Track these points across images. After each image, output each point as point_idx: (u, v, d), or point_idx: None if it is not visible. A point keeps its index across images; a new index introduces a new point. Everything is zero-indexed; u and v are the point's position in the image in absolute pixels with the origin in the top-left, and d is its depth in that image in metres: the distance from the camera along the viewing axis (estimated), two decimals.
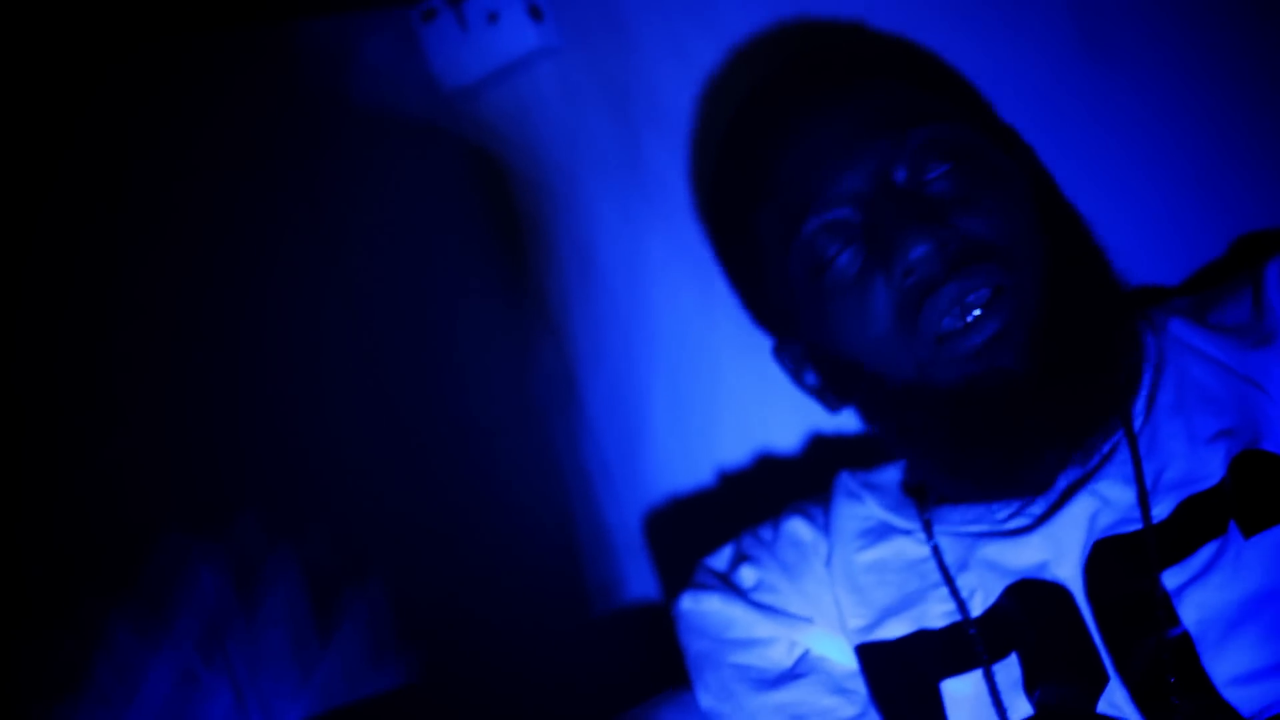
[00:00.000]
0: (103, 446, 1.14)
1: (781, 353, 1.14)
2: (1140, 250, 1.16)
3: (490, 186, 1.48)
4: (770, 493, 1.29)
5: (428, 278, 1.42)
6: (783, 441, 1.36)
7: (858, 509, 1.12)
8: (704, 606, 1.11)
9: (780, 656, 1.08)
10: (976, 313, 0.95)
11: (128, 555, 1.13)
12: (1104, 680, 0.95)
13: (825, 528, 1.12)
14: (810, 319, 1.05)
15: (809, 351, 1.10)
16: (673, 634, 1.15)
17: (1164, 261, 1.18)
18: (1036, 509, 1.01)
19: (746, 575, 1.12)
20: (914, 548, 1.07)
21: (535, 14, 1.40)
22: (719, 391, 1.38)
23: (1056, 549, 0.98)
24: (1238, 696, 0.90)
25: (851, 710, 1.05)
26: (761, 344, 1.20)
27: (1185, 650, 0.92)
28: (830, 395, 1.11)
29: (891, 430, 1.06)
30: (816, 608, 1.09)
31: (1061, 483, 1.00)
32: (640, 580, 1.45)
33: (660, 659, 1.20)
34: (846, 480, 1.15)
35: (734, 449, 1.37)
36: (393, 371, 1.36)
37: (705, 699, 1.10)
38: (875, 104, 1.02)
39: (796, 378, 1.14)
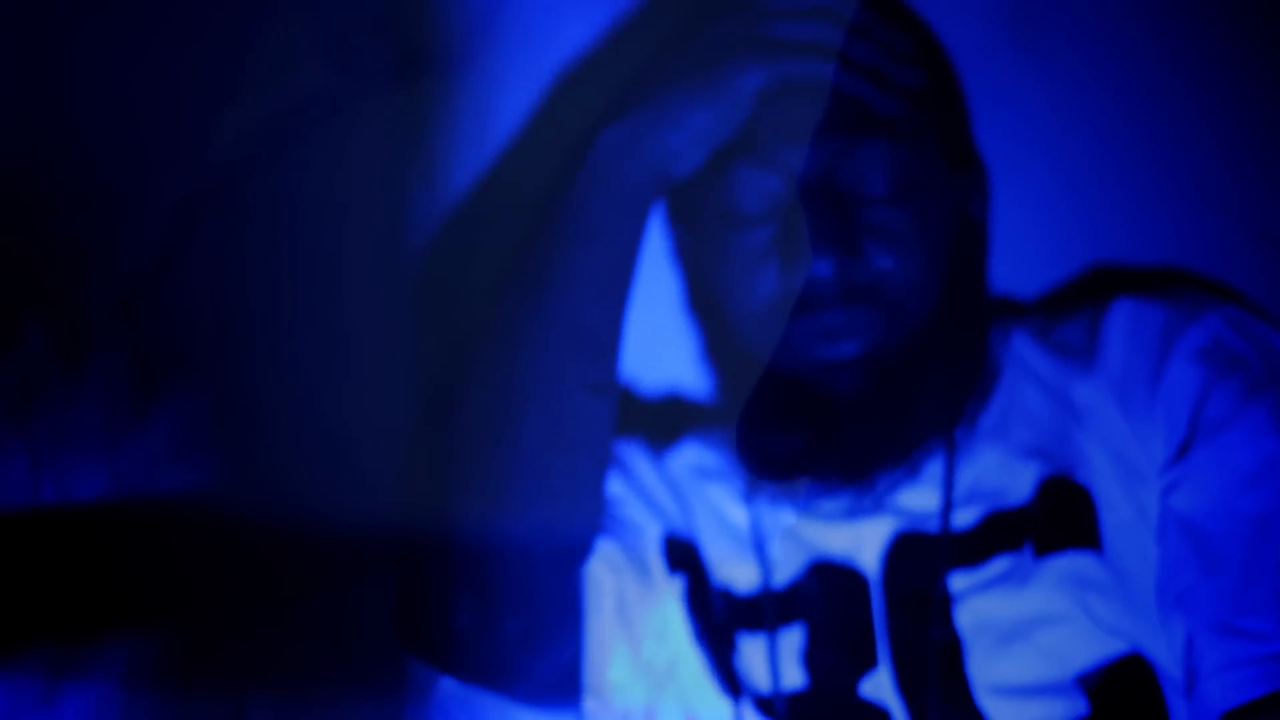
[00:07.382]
0: None
1: None
2: (1014, 253, 1.19)
3: None
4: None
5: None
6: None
7: (702, 452, 1.14)
8: None
9: None
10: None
11: None
12: (874, 664, 1.00)
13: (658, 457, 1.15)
14: (695, 247, 1.09)
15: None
16: None
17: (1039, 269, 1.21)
18: (850, 500, 1.05)
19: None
20: (734, 508, 1.10)
21: None
22: None
23: (862, 539, 1.03)
24: (992, 707, 0.96)
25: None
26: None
27: (953, 652, 0.98)
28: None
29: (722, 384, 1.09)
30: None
31: (880, 480, 1.04)
32: None
33: None
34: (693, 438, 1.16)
35: None
36: (266, 164, 1.32)
37: None
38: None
39: None
